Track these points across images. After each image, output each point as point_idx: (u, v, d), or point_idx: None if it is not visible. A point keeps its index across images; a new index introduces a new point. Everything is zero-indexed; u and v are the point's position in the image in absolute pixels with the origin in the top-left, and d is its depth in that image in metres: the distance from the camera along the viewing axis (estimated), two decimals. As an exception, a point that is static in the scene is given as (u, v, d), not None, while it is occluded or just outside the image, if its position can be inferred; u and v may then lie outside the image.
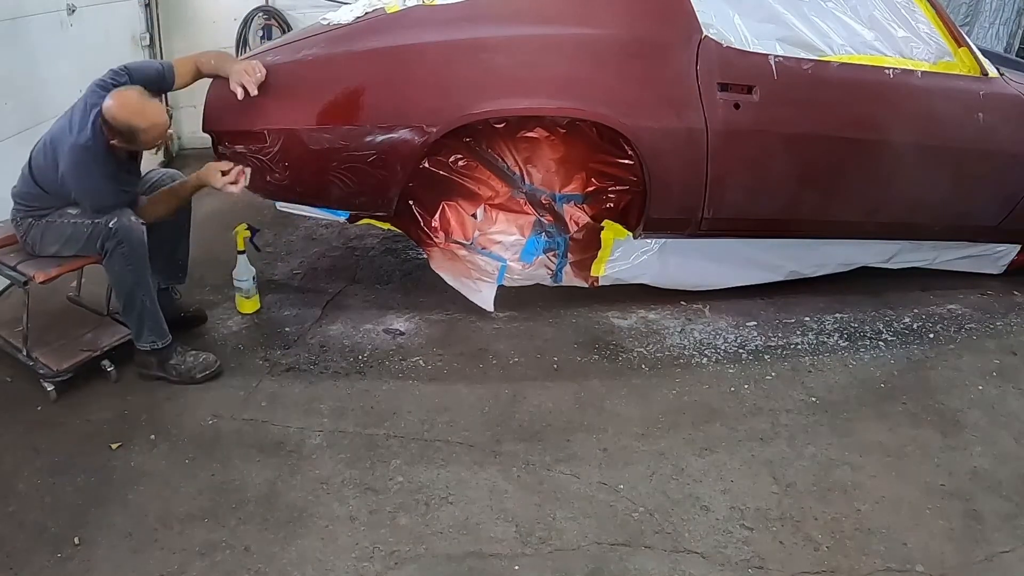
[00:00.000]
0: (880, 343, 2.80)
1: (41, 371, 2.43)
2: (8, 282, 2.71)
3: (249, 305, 2.92)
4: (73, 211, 2.38)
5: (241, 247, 2.87)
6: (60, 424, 2.33)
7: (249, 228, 2.92)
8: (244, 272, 2.87)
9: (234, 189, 2.45)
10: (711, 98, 2.57)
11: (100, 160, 2.30)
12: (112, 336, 2.56)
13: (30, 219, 2.44)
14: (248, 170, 2.48)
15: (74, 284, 2.87)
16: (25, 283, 2.40)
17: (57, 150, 2.32)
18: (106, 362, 2.51)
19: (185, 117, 4.98)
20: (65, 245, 2.41)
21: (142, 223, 2.36)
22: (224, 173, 2.44)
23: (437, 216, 2.92)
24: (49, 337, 2.59)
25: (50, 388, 2.42)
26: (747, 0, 2.66)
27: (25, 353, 2.50)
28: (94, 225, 2.32)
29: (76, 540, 1.90)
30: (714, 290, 3.05)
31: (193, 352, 2.54)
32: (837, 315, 2.97)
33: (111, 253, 2.33)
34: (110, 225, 2.30)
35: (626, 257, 2.92)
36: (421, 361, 2.65)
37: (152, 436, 2.28)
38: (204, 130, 2.61)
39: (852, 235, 3.02)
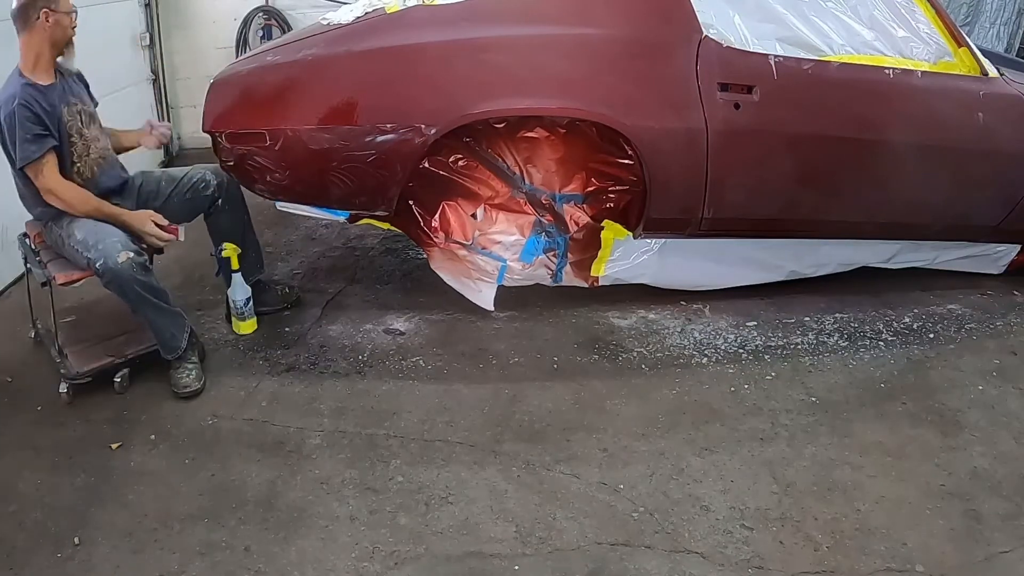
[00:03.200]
0: (880, 343, 2.80)
1: (62, 371, 2.43)
2: (17, 275, 2.73)
3: (246, 326, 2.82)
4: (79, 235, 2.36)
5: (236, 266, 2.77)
6: (60, 424, 2.33)
7: (216, 255, 2.82)
8: (240, 292, 2.77)
9: (157, 243, 2.46)
10: (711, 98, 2.57)
11: (15, 81, 2.32)
12: (140, 344, 2.54)
13: (48, 223, 2.47)
14: (183, 228, 2.52)
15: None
16: (44, 283, 2.42)
17: None
18: (124, 372, 2.48)
19: (185, 117, 4.99)
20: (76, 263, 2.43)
21: (132, 261, 2.30)
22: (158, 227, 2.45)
23: (437, 216, 2.92)
24: (86, 334, 2.61)
25: (64, 389, 2.41)
26: (747, 0, 2.66)
27: (57, 348, 2.51)
28: (87, 260, 2.33)
29: (76, 540, 1.90)
30: (714, 290, 3.04)
31: (192, 368, 2.48)
32: (837, 315, 2.97)
33: (103, 284, 2.35)
34: (97, 266, 2.30)
35: (626, 257, 2.92)
36: (421, 361, 2.65)
37: (152, 436, 2.28)
38: (204, 130, 2.61)
39: (852, 235, 3.02)
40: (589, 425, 2.33)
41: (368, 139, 2.47)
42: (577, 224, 2.95)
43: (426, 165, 2.77)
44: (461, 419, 2.36)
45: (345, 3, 4.52)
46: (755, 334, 2.83)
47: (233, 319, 2.82)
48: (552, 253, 2.95)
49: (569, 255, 2.94)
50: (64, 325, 2.63)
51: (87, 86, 2.57)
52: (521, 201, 2.95)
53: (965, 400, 2.48)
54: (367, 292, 3.15)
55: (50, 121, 2.32)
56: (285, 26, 4.81)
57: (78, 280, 2.41)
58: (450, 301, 2.89)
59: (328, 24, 2.66)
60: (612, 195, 2.87)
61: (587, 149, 2.81)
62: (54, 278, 2.40)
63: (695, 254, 2.94)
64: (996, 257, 3.25)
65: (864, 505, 2.03)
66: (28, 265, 2.61)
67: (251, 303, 2.81)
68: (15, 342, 2.77)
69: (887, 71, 2.70)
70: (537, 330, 2.84)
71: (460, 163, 2.87)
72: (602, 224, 2.87)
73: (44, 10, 2.29)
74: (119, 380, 2.46)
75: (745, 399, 2.46)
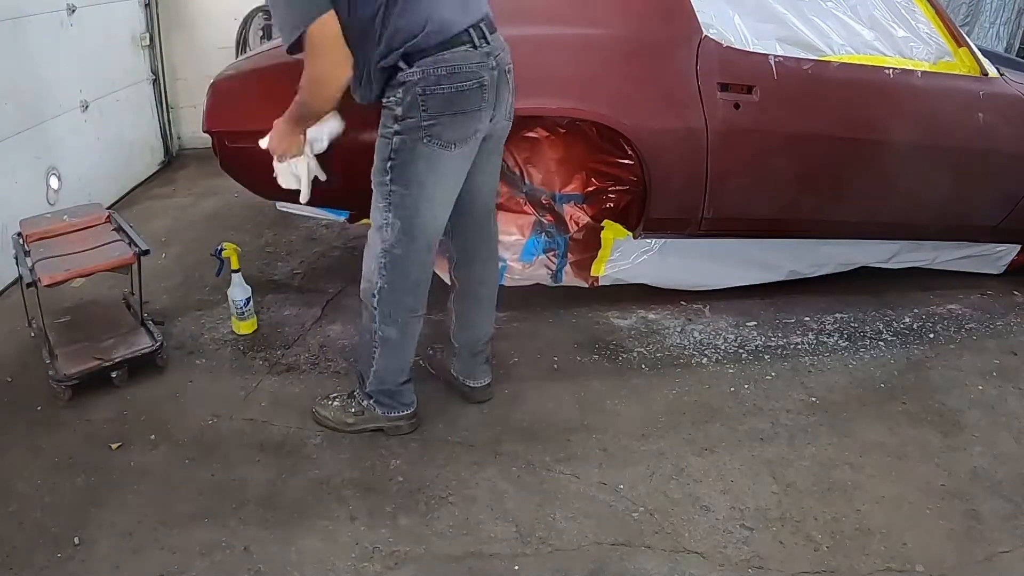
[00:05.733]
0: (880, 343, 2.80)
1: (50, 372, 2.43)
2: (16, 274, 2.73)
3: (246, 326, 2.81)
4: None
5: (236, 266, 2.76)
6: (60, 424, 2.33)
7: (216, 254, 2.81)
8: (240, 292, 2.76)
9: None
10: (711, 98, 2.57)
11: None
12: (128, 348, 2.53)
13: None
14: None
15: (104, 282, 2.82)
16: (30, 285, 2.40)
17: None
18: (116, 373, 2.47)
19: (185, 117, 4.99)
20: None
21: None
22: None
23: (437, 216, 2.91)
24: (78, 335, 2.59)
25: (63, 387, 2.40)
26: (747, 0, 2.66)
27: (48, 349, 2.50)
28: None
29: (76, 540, 1.90)
30: (714, 290, 3.05)
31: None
32: (837, 315, 2.97)
33: None
34: None
35: (626, 257, 2.92)
36: (421, 361, 2.64)
37: (152, 436, 2.28)
38: (204, 130, 2.61)
39: (852, 235, 3.02)
40: (589, 425, 2.33)
41: (368, 139, 2.46)
42: (577, 224, 2.95)
43: (426, 165, 2.76)
44: (461, 419, 2.36)
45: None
46: (755, 334, 2.83)
47: (233, 319, 2.82)
48: (552, 253, 2.95)
49: (569, 255, 2.94)
50: (58, 325, 2.62)
51: None
52: (521, 201, 2.95)
53: (965, 400, 2.48)
54: (367, 292, 3.14)
55: None
56: (285, 26, 4.80)
57: (62, 281, 2.38)
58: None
59: None
60: (612, 195, 2.87)
61: (587, 149, 2.81)
62: (39, 279, 2.38)
63: (695, 254, 2.94)
64: (996, 257, 3.25)
65: (864, 505, 2.03)
66: (18, 265, 2.60)
67: (251, 303, 2.81)
68: (15, 342, 2.77)
69: (887, 71, 2.70)
70: (537, 330, 2.84)
71: (460, 163, 2.87)
72: (602, 224, 2.87)
73: None
74: (116, 375, 2.46)
75: (745, 399, 2.46)
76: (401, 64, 1.85)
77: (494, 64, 1.93)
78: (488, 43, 1.91)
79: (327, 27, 1.77)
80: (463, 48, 1.86)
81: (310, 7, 1.74)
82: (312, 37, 1.77)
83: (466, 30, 1.87)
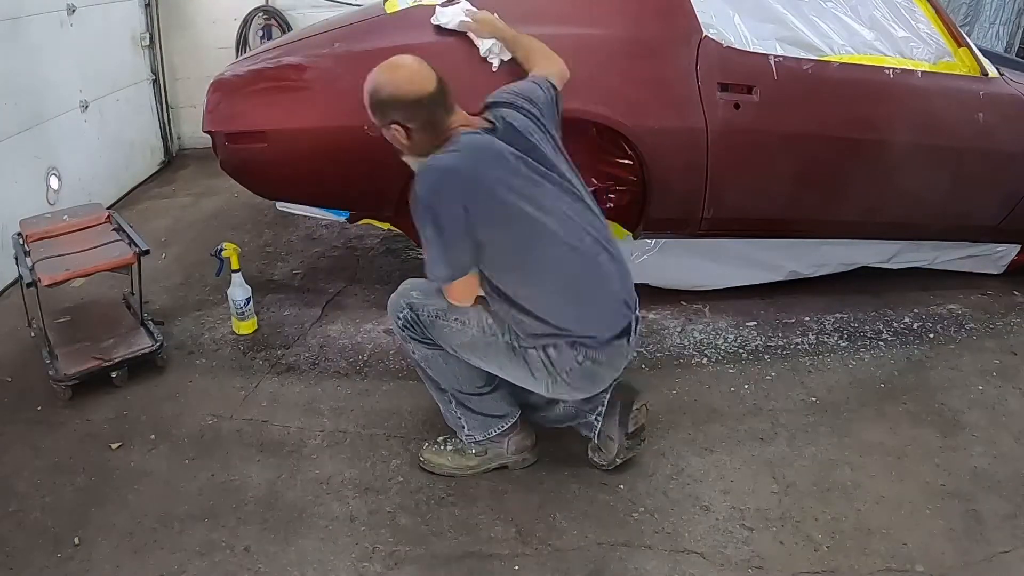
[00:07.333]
0: (880, 343, 2.80)
1: (51, 372, 2.43)
2: (16, 274, 2.73)
3: (246, 327, 2.81)
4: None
5: (236, 266, 2.76)
6: (60, 424, 2.33)
7: (216, 254, 2.80)
8: (240, 292, 2.76)
9: None
10: (711, 98, 2.57)
11: None
12: (128, 348, 2.54)
13: None
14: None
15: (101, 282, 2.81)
16: (30, 285, 2.40)
17: None
18: (116, 373, 2.47)
19: (185, 117, 5.00)
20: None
21: None
22: None
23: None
24: (80, 335, 2.60)
25: (63, 387, 2.40)
26: (747, 0, 2.66)
27: (48, 349, 2.50)
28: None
29: (76, 540, 1.90)
30: (714, 290, 3.05)
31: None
32: (837, 315, 2.97)
33: None
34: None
35: (626, 257, 2.91)
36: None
37: (152, 436, 2.28)
38: (204, 130, 2.61)
39: (852, 235, 3.02)
40: (589, 425, 2.33)
41: (368, 139, 2.46)
42: (577, 224, 2.95)
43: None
44: (461, 419, 2.35)
45: (347, 4, 4.53)
46: (755, 334, 2.83)
47: (233, 319, 2.82)
48: (552, 253, 2.94)
49: (569, 255, 2.94)
50: (58, 325, 2.63)
51: None
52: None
53: (965, 400, 2.48)
54: (367, 292, 3.15)
55: None
56: (285, 26, 4.82)
57: (62, 281, 2.38)
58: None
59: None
60: (612, 195, 2.87)
61: (587, 149, 2.81)
62: (39, 279, 2.37)
63: (695, 254, 2.94)
64: (996, 257, 3.25)
65: (864, 505, 2.03)
66: (18, 265, 2.60)
67: (251, 303, 2.80)
68: (15, 342, 2.77)
69: (887, 71, 2.70)
70: (537, 330, 2.83)
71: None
72: (602, 224, 2.87)
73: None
74: (116, 375, 2.46)
75: (745, 399, 2.46)
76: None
77: None
78: None
79: (467, 282, 1.93)
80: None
81: (457, 269, 1.89)
82: (452, 284, 1.93)
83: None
